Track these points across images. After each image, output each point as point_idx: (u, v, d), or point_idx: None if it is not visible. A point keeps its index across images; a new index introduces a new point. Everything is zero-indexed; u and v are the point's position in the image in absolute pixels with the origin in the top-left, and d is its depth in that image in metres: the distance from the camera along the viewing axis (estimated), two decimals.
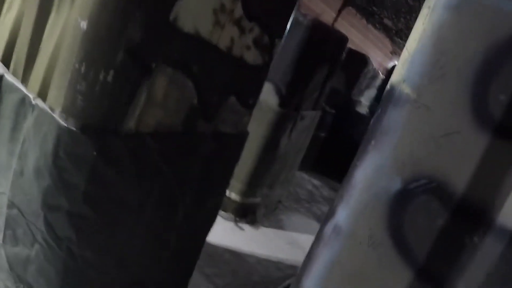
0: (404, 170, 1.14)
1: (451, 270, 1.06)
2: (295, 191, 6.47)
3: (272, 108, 4.50)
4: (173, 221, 2.39)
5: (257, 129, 4.42)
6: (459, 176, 1.06)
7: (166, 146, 2.12)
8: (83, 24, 1.75)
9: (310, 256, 1.38)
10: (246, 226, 4.76)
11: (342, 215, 1.26)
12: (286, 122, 4.75)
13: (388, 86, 1.29)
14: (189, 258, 2.81)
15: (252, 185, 4.76)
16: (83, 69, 1.76)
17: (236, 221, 4.75)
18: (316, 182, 7.25)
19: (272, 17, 2.49)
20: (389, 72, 9.34)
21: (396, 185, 1.14)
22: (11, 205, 1.96)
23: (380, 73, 10.53)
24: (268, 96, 4.51)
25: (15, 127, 1.97)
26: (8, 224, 1.99)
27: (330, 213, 1.34)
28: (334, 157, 8.59)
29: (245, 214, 4.87)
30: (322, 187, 7.15)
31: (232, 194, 4.76)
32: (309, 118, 5.34)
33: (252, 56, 2.48)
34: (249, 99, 2.67)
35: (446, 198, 1.07)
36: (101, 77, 1.77)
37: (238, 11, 2.21)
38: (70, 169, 1.82)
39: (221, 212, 4.36)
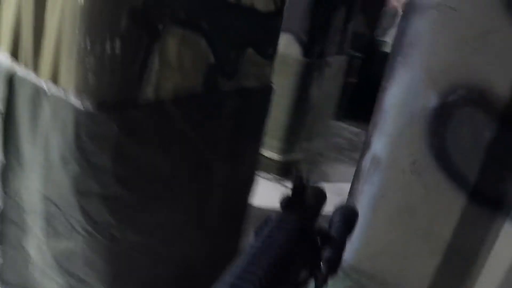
0: (439, 83, 1.00)
1: (507, 186, 0.92)
2: (335, 141, 6.32)
3: (296, 59, 4.35)
4: (210, 186, 2.31)
5: (284, 83, 4.27)
6: (501, 80, 0.92)
7: (189, 110, 2.02)
8: None
9: (351, 194, 1.27)
10: (291, 184, 4.66)
11: (379, 145, 1.14)
12: (313, 71, 4.58)
13: None
14: (235, 222, 2.73)
15: (290, 141, 4.65)
16: (88, 43, 1.66)
17: (280, 180, 4.66)
18: (354, 129, 7.06)
19: None
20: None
21: (432, 100, 1.01)
22: (46, 200, 1.91)
23: (399, 10, 10.14)
24: (290, 47, 4.35)
25: (34, 120, 1.90)
26: (47, 220, 1.94)
27: (366, 145, 1.22)
28: (368, 101, 8.37)
29: (288, 171, 4.77)
30: (361, 134, 6.96)
31: (272, 153, 4.66)
32: (336, 64, 5.15)
33: (262, 3, 2.34)
34: (268, 49, 2.53)
35: (490, 107, 0.93)
36: (108, 48, 1.67)
37: None
38: (94, 151, 1.74)
39: (263, 174, 4.27)
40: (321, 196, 1.19)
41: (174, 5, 1.81)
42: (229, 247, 2.71)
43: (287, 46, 4.32)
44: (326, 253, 0.95)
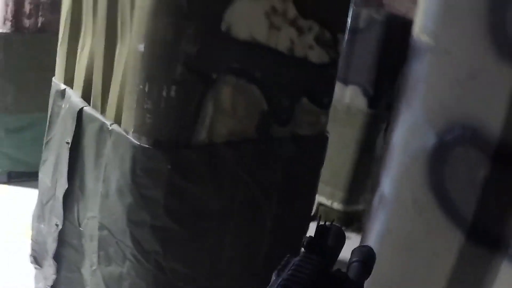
0: (437, 123, 1.07)
1: (504, 225, 0.96)
2: None
3: (361, 110, 4.41)
4: (261, 227, 2.41)
5: (349, 133, 4.36)
6: (493, 117, 0.97)
7: (242, 153, 2.15)
8: (141, 47, 1.85)
9: (364, 231, 1.33)
10: (352, 235, 4.65)
11: (386, 183, 1.21)
12: (379, 123, 4.61)
13: (410, 42, 1.23)
14: None
15: (353, 191, 4.66)
16: (147, 88, 1.86)
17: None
18: None
19: (329, 12, 2.46)
20: None
21: (431, 139, 1.07)
22: (101, 227, 2.09)
23: None
24: (356, 98, 4.43)
25: (98, 154, 2.11)
26: (100, 245, 2.12)
27: (376, 184, 1.29)
28: None
29: (350, 222, 4.75)
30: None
31: (335, 203, 4.68)
32: None
33: (316, 55, 2.46)
34: (323, 99, 2.64)
35: (484, 145, 0.98)
36: (164, 93, 1.86)
37: (292, 11, 2.21)
38: (148, 185, 1.91)
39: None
40: (341, 237, 1.23)
41: (226, 55, 1.98)
42: None
43: (353, 97, 4.42)
44: None
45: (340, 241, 1.24)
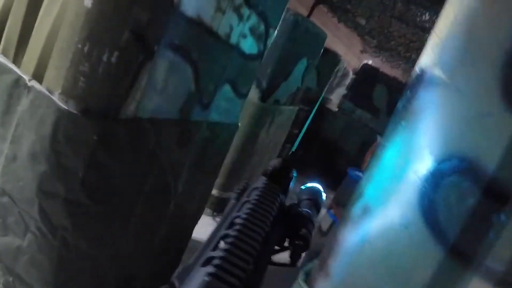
0: (436, 150, 1.14)
1: (480, 248, 1.07)
2: None
3: (253, 102, 4.46)
4: (165, 211, 2.33)
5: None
6: (490, 156, 1.07)
7: (162, 132, 2.06)
8: (88, 2, 1.67)
9: (336, 238, 1.36)
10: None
11: (372, 195, 1.25)
12: (266, 116, 4.72)
13: (416, 70, 1.28)
14: (177, 250, 2.75)
15: (230, 179, 4.71)
16: (86, 48, 1.68)
17: (214, 216, 4.70)
18: None
19: (269, 6, 2.46)
20: (361, 71, 9.44)
21: (428, 164, 1.14)
22: (2, 192, 1.86)
23: (350, 71, 10.64)
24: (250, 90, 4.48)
25: (8, 110, 1.87)
26: None
27: (358, 195, 1.33)
28: (306, 153, 8.64)
29: (222, 208, 4.81)
30: (295, 183, 7.11)
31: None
32: (287, 113, 5.34)
33: (248, 44, 2.45)
34: (243, 89, 2.63)
35: (476, 178, 1.07)
36: (104, 57, 1.69)
37: None
38: (68, 154, 1.74)
39: None
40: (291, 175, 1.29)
41: (172, 30, 1.87)
42: (167, 271, 2.72)
43: None
44: (302, 231, 1.04)
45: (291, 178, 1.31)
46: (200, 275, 0.67)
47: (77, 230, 1.84)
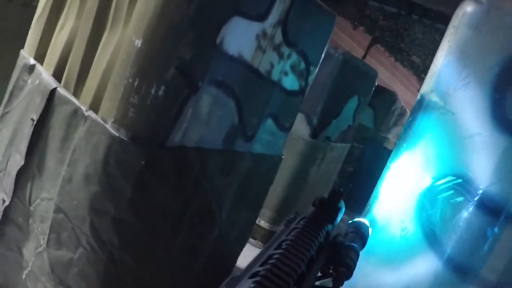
0: (433, 168, 1.23)
1: (475, 258, 1.14)
2: None
3: (303, 138, 4.59)
4: (208, 235, 2.48)
5: (288, 157, 4.50)
6: (482, 173, 1.15)
7: (207, 161, 2.22)
8: (138, 42, 1.89)
9: None
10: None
11: (377, 210, 1.35)
12: (316, 153, 4.83)
13: (418, 97, 1.39)
14: (218, 276, 2.87)
15: (281, 213, 4.81)
16: (136, 83, 1.89)
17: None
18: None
19: (308, 45, 2.62)
20: None
21: (426, 181, 1.23)
22: (58, 209, 2.08)
23: (408, 110, 10.57)
24: (300, 125, 4.60)
25: (66, 137, 2.10)
26: (53, 228, 2.10)
27: (366, 211, 1.43)
28: (360, 191, 8.59)
29: None
30: (346, 221, 7.10)
31: (261, 221, 4.81)
32: (339, 150, 5.42)
33: (289, 81, 2.60)
34: (285, 123, 2.78)
35: (470, 194, 1.16)
36: (152, 91, 1.90)
37: (278, 37, 2.34)
38: (118, 176, 1.94)
39: (250, 239, 4.41)
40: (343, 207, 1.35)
41: (214, 67, 2.06)
42: None
43: (297, 124, 4.58)
44: (346, 259, 1.11)
45: (342, 211, 1.37)
46: (247, 283, 0.79)
47: (123, 246, 2.02)
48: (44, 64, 2.44)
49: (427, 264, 1.19)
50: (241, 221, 2.77)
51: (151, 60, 1.90)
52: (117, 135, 1.90)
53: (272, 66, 2.39)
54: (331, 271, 1.12)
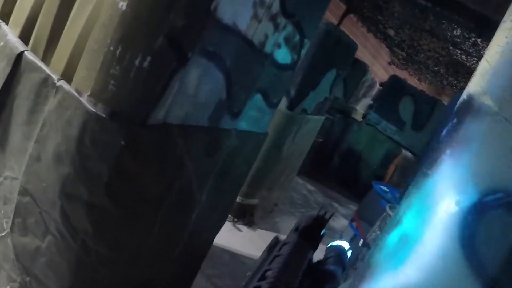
0: (481, 182, 1.07)
1: None
2: (290, 195, 6.39)
3: (280, 110, 4.41)
4: (187, 220, 2.29)
5: None
6: None
7: (192, 139, 2.01)
8: (122, 4, 1.63)
9: (369, 264, 1.30)
10: (243, 227, 4.68)
11: (411, 224, 1.19)
12: (292, 125, 4.66)
13: (464, 97, 1.22)
14: (197, 258, 2.70)
15: (253, 186, 4.66)
16: (118, 52, 1.65)
17: (234, 222, 4.65)
18: (310, 187, 7.18)
19: (305, 17, 2.40)
20: (388, 82, 9.33)
21: (472, 196, 1.07)
22: (24, 191, 1.84)
23: (377, 82, 10.53)
24: None
25: (34, 109, 1.84)
26: (18, 212, 1.87)
27: (395, 222, 1.27)
28: (329, 163, 8.56)
29: (243, 215, 4.77)
30: (316, 193, 7.08)
31: None
32: (314, 123, 5.27)
33: (281, 55, 2.39)
34: (274, 99, 2.58)
35: None
36: (137, 62, 1.65)
37: (276, 7, 2.11)
38: (94, 157, 1.70)
39: None
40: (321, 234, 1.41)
41: (207, 36, 1.82)
42: (186, 278, 2.68)
43: None
44: (327, 285, 1.13)
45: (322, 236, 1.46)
46: None
47: (98, 235, 1.80)
48: (10, 23, 2.15)
49: (468, 287, 1.04)
50: (221, 202, 2.58)
51: (138, 25, 1.65)
52: (94, 110, 1.66)
53: (266, 37, 2.17)
54: None
